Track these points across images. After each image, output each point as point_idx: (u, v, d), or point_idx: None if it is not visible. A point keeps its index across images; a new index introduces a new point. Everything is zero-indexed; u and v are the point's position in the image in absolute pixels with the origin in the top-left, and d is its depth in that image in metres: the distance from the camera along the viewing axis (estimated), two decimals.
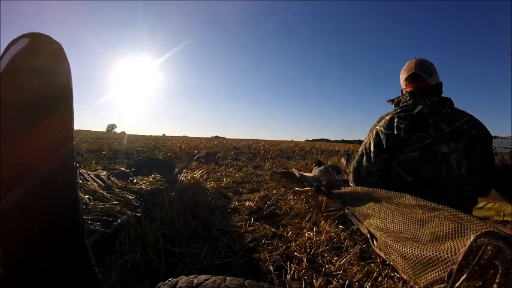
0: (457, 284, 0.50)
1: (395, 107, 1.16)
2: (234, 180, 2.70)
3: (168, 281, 0.46)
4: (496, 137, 1.12)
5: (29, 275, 0.38)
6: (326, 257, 1.02)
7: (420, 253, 0.60)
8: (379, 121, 1.12)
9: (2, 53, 0.38)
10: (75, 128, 0.43)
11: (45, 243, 0.39)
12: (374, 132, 1.10)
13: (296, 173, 1.82)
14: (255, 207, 1.70)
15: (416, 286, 0.61)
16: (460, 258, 0.51)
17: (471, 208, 1.06)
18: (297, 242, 1.14)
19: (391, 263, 0.73)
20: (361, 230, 0.93)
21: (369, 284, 0.83)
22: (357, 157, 1.17)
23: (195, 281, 0.46)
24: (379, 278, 0.86)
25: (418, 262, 0.60)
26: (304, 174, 1.87)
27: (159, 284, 0.47)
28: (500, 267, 0.46)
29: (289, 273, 0.91)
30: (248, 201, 1.85)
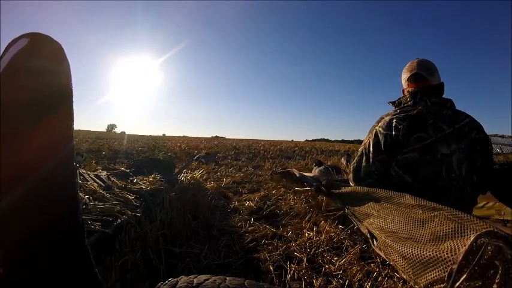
0: (457, 284, 0.50)
1: (395, 108, 1.16)
2: (234, 180, 2.70)
3: (168, 281, 0.46)
4: (503, 136, 1.11)
5: (29, 275, 0.38)
6: (326, 257, 1.02)
7: (420, 253, 0.60)
8: (378, 122, 1.12)
9: (2, 53, 0.38)
10: (75, 128, 0.43)
11: (45, 243, 0.39)
12: (373, 133, 1.10)
13: (296, 173, 1.82)
14: (255, 207, 1.70)
15: (416, 286, 0.61)
16: (460, 258, 0.51)
17: (471, 208, 1.06)
18: (297, 242, 1.14)
19: (391, 263, 0.73)
20: (361, 229, 0.93)
21: (369, 284, 0.83)
22: (356, 157, 1.17)
23: (195, 281, 0.46)
24: (379, 278, 0.86)
25: (418, 262, 0.60)
26: (304, 174, 1.87)
27: (159, 284, 0.46)
28: (500, 267, 0.46)
29: (289, 273, 0.91)
30: (248, 201, 1.85)
